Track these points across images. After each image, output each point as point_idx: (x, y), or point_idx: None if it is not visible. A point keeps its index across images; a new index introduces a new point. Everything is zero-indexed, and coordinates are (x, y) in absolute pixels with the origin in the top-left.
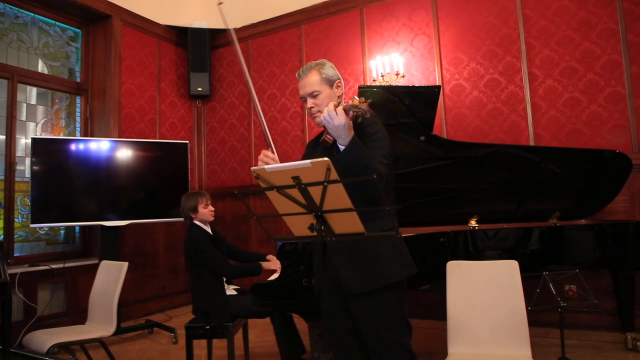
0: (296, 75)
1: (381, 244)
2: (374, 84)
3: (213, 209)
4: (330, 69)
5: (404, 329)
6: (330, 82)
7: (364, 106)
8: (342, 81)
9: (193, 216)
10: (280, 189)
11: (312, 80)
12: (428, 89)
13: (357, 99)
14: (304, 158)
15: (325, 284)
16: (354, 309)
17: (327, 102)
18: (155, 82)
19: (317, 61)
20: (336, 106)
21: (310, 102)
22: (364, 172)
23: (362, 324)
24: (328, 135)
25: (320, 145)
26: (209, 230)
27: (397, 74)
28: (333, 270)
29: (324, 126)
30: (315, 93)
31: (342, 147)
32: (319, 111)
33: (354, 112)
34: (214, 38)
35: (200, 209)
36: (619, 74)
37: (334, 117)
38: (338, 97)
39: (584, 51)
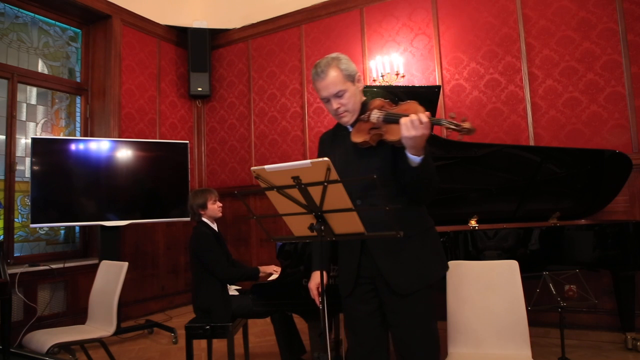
0: (312, 74)
1: (424, 243)
2: (374, 84)
3: (221, 205)
4: (348, 63)
5: (435, 325)
6: (352, 78)
7: (467, 125)
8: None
9: (202, 213)
10: (280, 189)
11: (334, 80)
12: (428, 89)
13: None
14: (319, 154)
15: (357, 284)
16: (392, 307)
17: (353, 100)
18: (155, 82)
19: (332, 56)
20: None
21: (335, 103)
22: (433, 183)
23: (398, 320)
24: (373, 136)
25: (342, 143)
26: (216, 227)
27: (397, 74)
28: (374, 270)
29: (355, 126)
30: (341, 93)
31: (415, 158)
32: (346, 111)
33: (458, 130)
34: (214, 38)
35: (209, 205)
36: (619, 74)
37: (421, 128)
38: (360, 91)
39: (584, 51)
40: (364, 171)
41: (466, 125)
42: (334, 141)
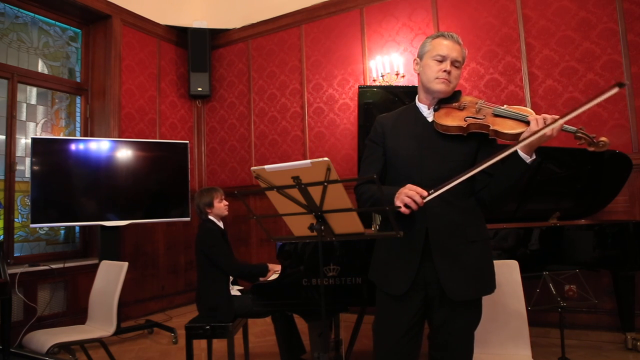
0: (441, 34)
1: (484, 253)
2: (374, 84)
3: (227, 203)
4: None
5: (473, 340)
6: (464, 63)
7: (604, 139)
8: None
9: (209, 211)
10: (280, 189)
11: (460, 50)
12: None
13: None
14: (377, 133)
15: (409, 289)
16: (442, 314)
17: (457, 79)
18: (155, 82)
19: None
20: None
21: (448, 66)
22: (521, 184)
23: (445, 327)
24: (471, 125)
25: (413, 124)
26: (222, 225)
27: (397, 74)
28: (431, 275)
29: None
30: (457, 63)
31: (526, 156)
32: (449, 80)
33: (591, 142)
34: (214, 38)
35: (216, 204)
36: (619, 74)
37: (552, 133)
38: None
39: (584, 51)
40: (446, 156)
41: (602, 139)
42: (398, 121)
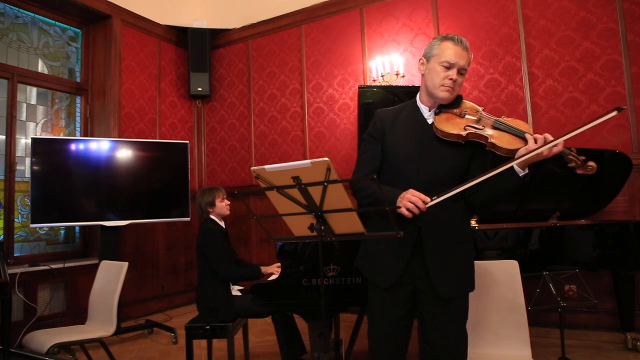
0: (452, 38)
1: (469, 253)
2: (374, 84)
3: (229, 202)
4: None
5: (465, 327)
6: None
7: (592, 163)
8: None
9: (210, 210)
10: (280, 189)
11: (469, 58)
12: None
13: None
14: (376, 127)
15: (397, 282)
16: (432, 310)
17: (461, 86)
18: (155, 82)
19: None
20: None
21: (454, 74)
22: (511, 193)
23: (437, 323)
24: (471, 134)
25: (413, 124)
26: (223, 225)
27: (397, 74)
28: (420, 270)
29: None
30: (464, 71)
31: (520, 170)
32: (453, 88)
33: (580, 165)
34: (214, 38)
35: (218, 203)
36: (619, 74)
37: (551, 154)
38: None
39: (584, 51)
40: (443, 160)
41: (590, 163)
42: (398, 119)
